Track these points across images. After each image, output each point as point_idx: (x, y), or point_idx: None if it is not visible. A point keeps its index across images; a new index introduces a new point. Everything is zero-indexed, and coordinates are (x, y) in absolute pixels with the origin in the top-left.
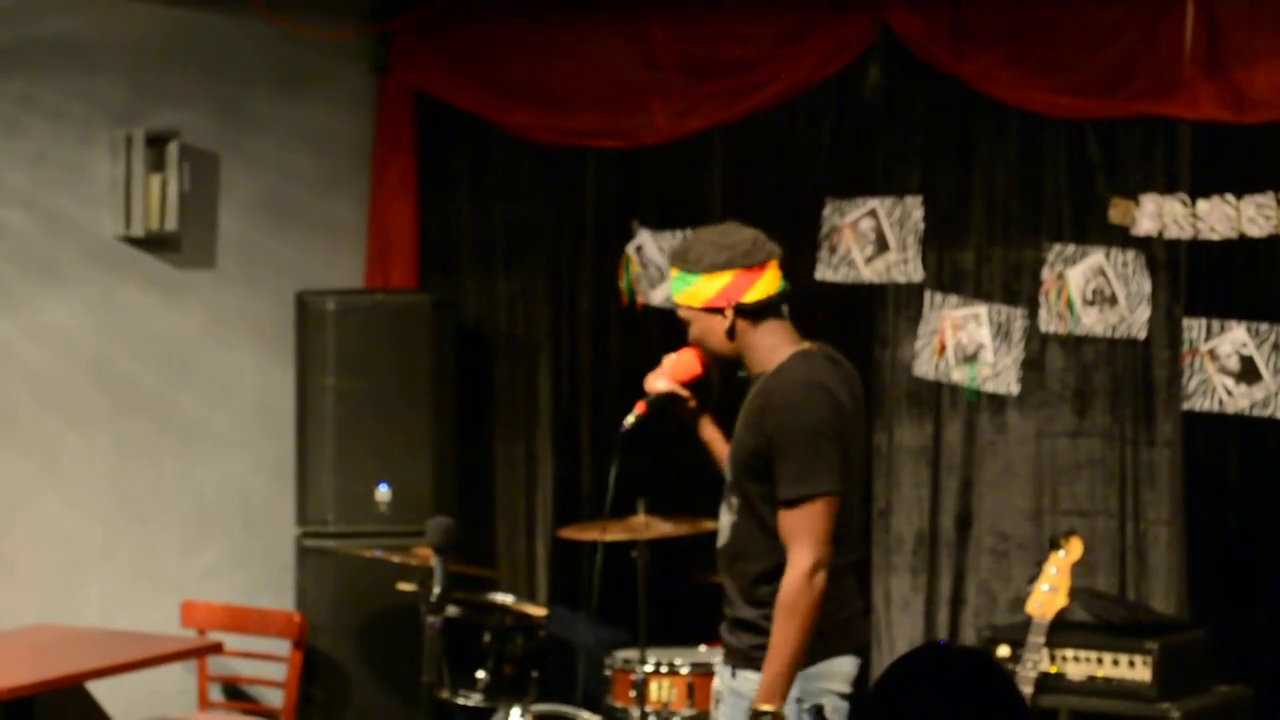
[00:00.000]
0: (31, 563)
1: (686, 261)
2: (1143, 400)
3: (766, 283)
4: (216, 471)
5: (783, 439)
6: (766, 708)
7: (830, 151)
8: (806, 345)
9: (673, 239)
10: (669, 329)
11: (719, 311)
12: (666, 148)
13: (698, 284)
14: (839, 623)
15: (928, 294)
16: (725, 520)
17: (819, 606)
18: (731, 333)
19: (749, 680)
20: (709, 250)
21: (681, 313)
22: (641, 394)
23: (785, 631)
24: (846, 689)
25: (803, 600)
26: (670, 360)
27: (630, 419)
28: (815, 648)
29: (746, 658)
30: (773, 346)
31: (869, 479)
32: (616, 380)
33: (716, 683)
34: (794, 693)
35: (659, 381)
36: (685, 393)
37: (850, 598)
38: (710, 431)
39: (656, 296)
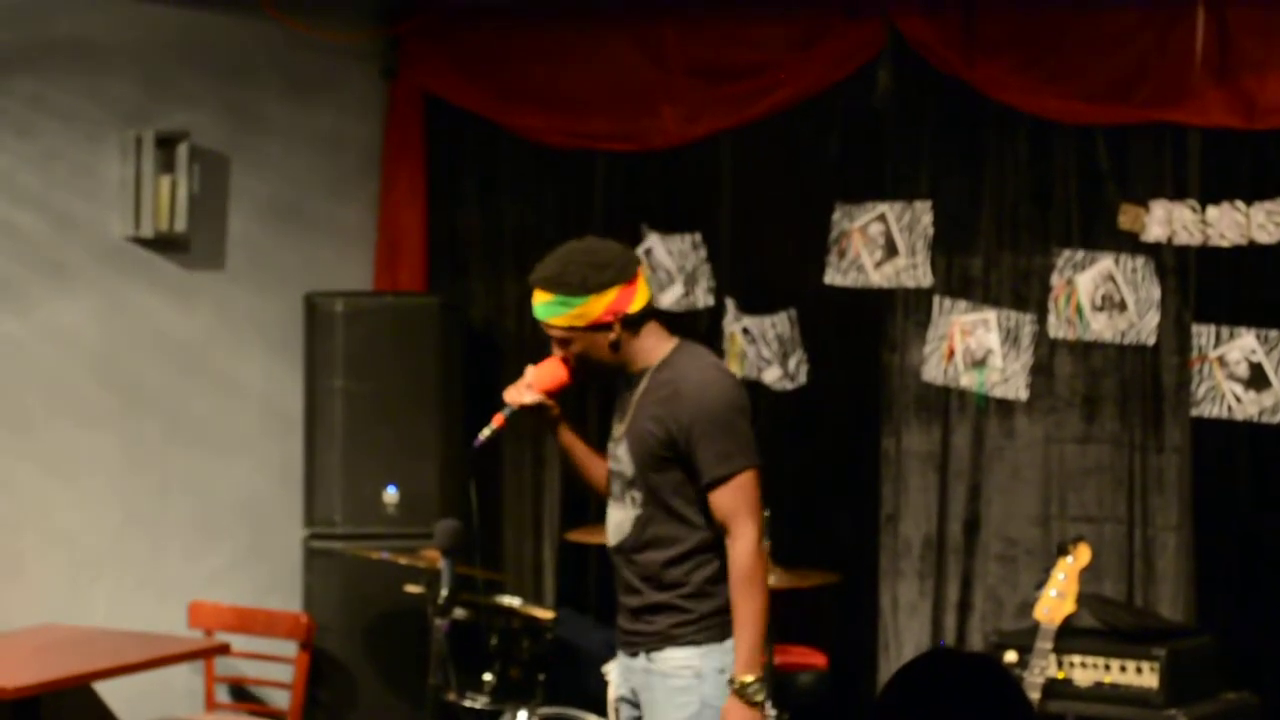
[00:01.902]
0: (39, 562)
1: (566, 285)
2: (1151, 406)
3: (643, 292)
4: (224, 472)
5: (701, 423)
6: (750, 677)
7: (840, 156)
8: (678, 340)
9: (682, 242)
10: (672, 331)
11: (606, 327)
12: (676, 151)
13: (584, 305)
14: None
15: (937, 299)
16: (621, 515)
17: (767, 572)
18: (616, 344)
19: (672, 658)
20: (590, 271)
21: (557, 333)
22: (499, 407)
23: (751, 603)
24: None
25: (758, 570)
26: (535, 370)
27: (485, 433)
28: (728, 624)
29: (666, 637)
30: (652, 345)
31: (876, 484)
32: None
33: (615, 688)
34: (716, 664)
35: (526, 394)
36: (550, 402)
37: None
38: (569, 436)
39: (665, 300)
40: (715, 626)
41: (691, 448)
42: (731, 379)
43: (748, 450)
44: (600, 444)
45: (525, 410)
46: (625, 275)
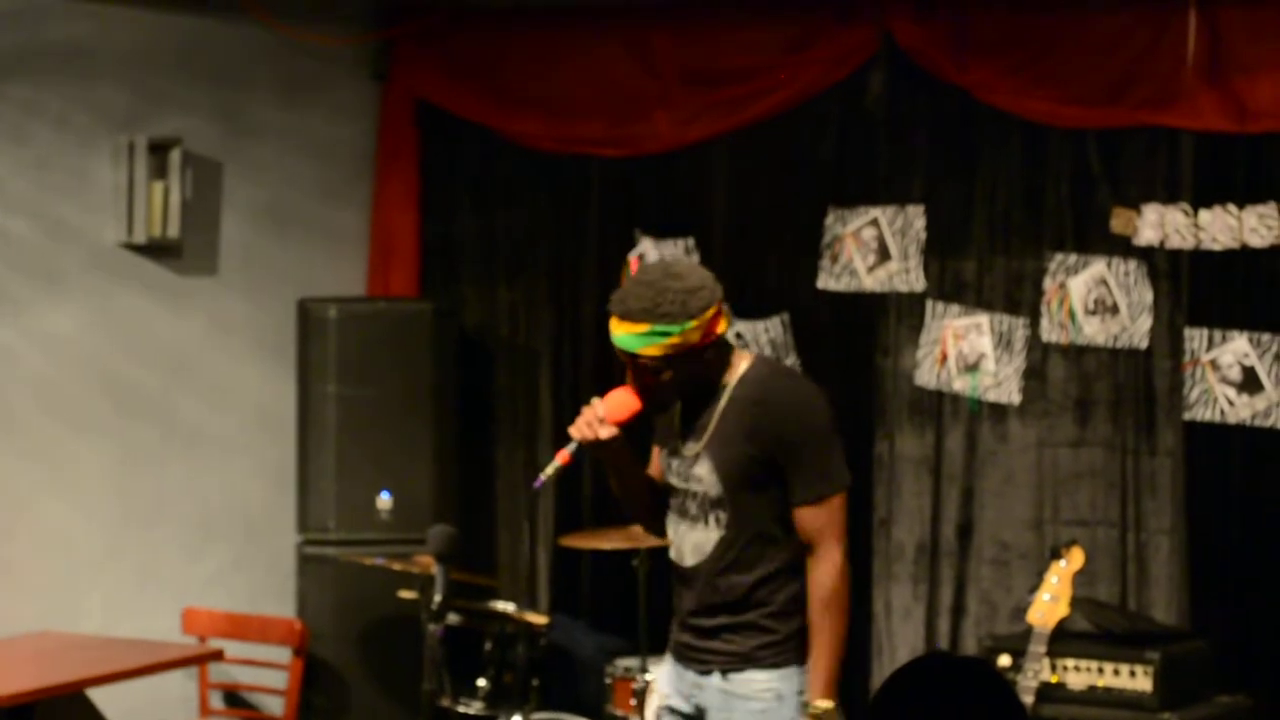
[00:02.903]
0: (33, 569)
1: (664, 315)
2: (1144, 410)
3: (726, 311)
4: (218, 478)
5: (804, 437)
6: (827, 704)
7: (832, 161)
8: (752, 354)
9: (675, 247)
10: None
11: (702, 351)
12: (669, 156)
13: (685, 331)
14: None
15: (929, 303)
16: (701, 536)
17: (850, 598)
18: (709, 366)
19: (754, 680)
20: (688, 298)
21: (651, 362)
22: (564, 441)
23: (834, 627)
24: None
25: (844, 593)
26: (606, 402)
27: (549, 472)
28: (806, 644)
29: (747, 659)
30: (731, 361)
31: (870, 488)
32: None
33: (663, 698)
34: (794, 686)
35: (602, 430)
36: (620, 434)
37: None
38: (628, 459)
39: None
40: (797, 649)
41: (791, 462)
42: (824, 393)
43: (844, 470)
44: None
45: (595, 445)
46: (717, 294)
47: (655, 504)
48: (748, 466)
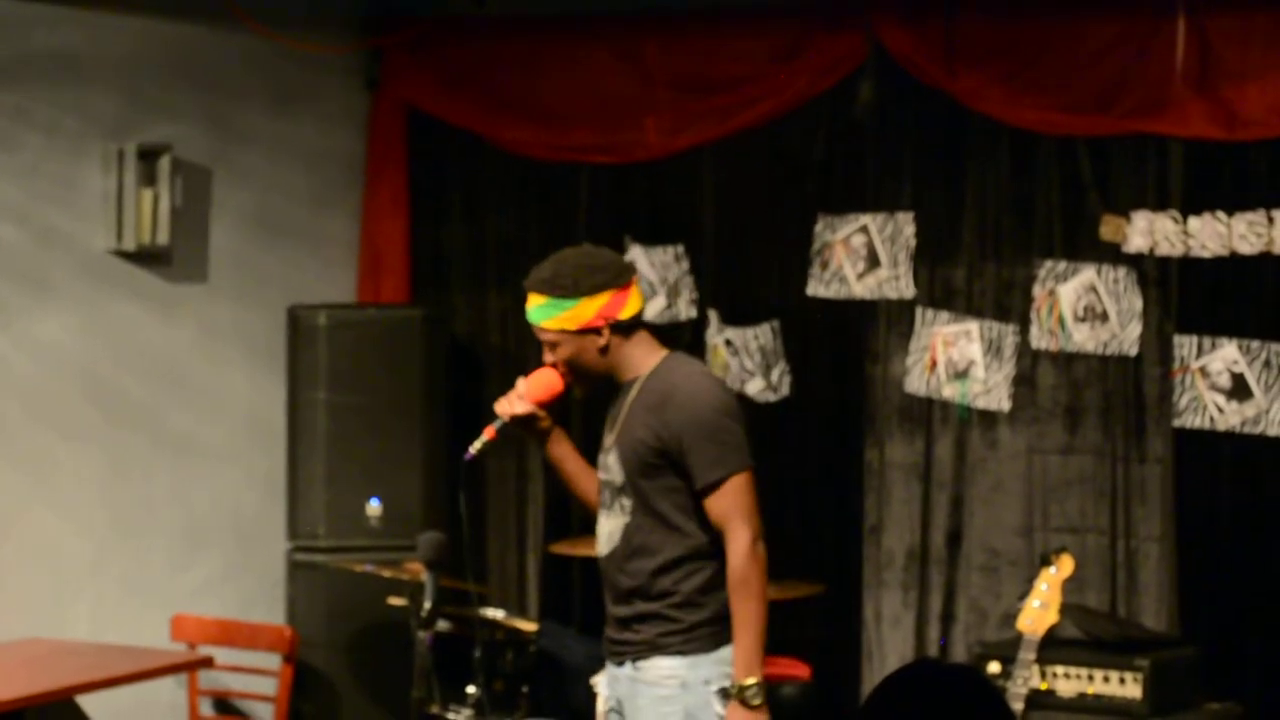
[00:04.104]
0: (21, 576)
1: (559, 287)
2: (1134, 417)
3: (634, 299)
4: (207, 485)
5: (692, 428)
6: (750, 680)
7: (822, 168)
8: (668, 351)
9: (664, 254)
10: (662, 343)
11: (595, 331)
12: (658, 164)
13: (575, 307)
14: (729, 612)
15: (919, 310)
16: (611, 524)
17: (765, 575)
18: (605, 349)
19: (658, 667)
20: (583, 274)
21: (549, 336)
22: (483, 419)
23: (749, 606)
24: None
25: (754, 572)
26: (528, 381)
27: (477, 446)
28: (718, 634)
29: (653, 646)
30: (643, 354)
31: (859, 495)
32: (607, 395)
33: (604, 700)
34: (700, 674)
35: (518, 404)
36: (543, 413)
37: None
38: (562, 448)
39: (648, 312)
40: (704, 637)
41: (684, 453)
42: (721, 385)
43: (740, 453)
44: (592, 458)
45: (517, 421)
46: (618, 280)
47: (595, 499)
48: (645, 455)
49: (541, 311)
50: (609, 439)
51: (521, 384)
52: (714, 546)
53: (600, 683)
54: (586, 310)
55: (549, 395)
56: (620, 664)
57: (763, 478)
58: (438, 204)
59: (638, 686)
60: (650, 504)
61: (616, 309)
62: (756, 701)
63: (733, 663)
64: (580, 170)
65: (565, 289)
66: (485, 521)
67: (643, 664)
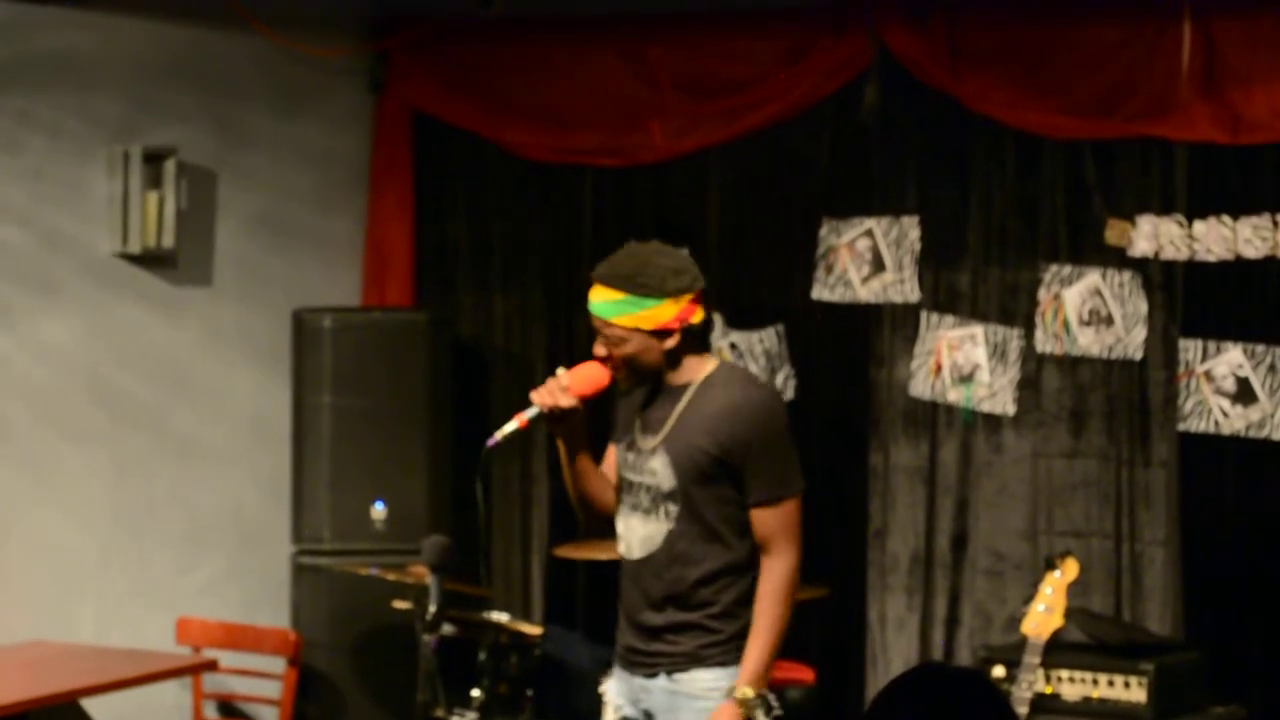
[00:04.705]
0: (26, 578)
1: (642, 285)
2: (1139, 421)
3: (703, 306)
4: (212, 488)
5: (761, 442)
6: (748, 692)
7: (827, 171)
8: (719, 359)
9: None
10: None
11: (668, 334)
12: (664, 166)
13: (656, 308)
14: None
15: (924, 314)
16: (651, 529)
17: (794, 600)
18: (673, 353)
19: (700, 679)
20: (668, 275)
21: (616, 331)
22: (524, 405)
23: (771, 617)
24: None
25: (790, 593)
26: (573, 374)
27: (503, 432)
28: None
29: (693, 658)
30: (697, 359)
31: (864, 499)
32: (612, 398)
33: (617, 709)
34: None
35: (563, 397)
36: (580, 407)
37: None
38: (583, 443)
39: None
40: (741, 648)
41: (745, 465)
42: (784, 402)
43: (799, 476)
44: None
45: (554, 414)
46: (696, 284)
47: (602, 500)
48: (703, 463)
49: (614, 307)
50: (648, 440)
51: (565, 375)
52: (750, 559)
53: (610, 690)
54: (666, 312)
55: (594, 390)
56: (651, 675)
57: None
58: (443, 206)
59: (678, 700)
60: (699, 512)
61: (692, 313)
62: (749, 714)
63: (741, 669)
64: (585, 173)
65: (649, 288)
66: (490, 524)
67: (681, 676)
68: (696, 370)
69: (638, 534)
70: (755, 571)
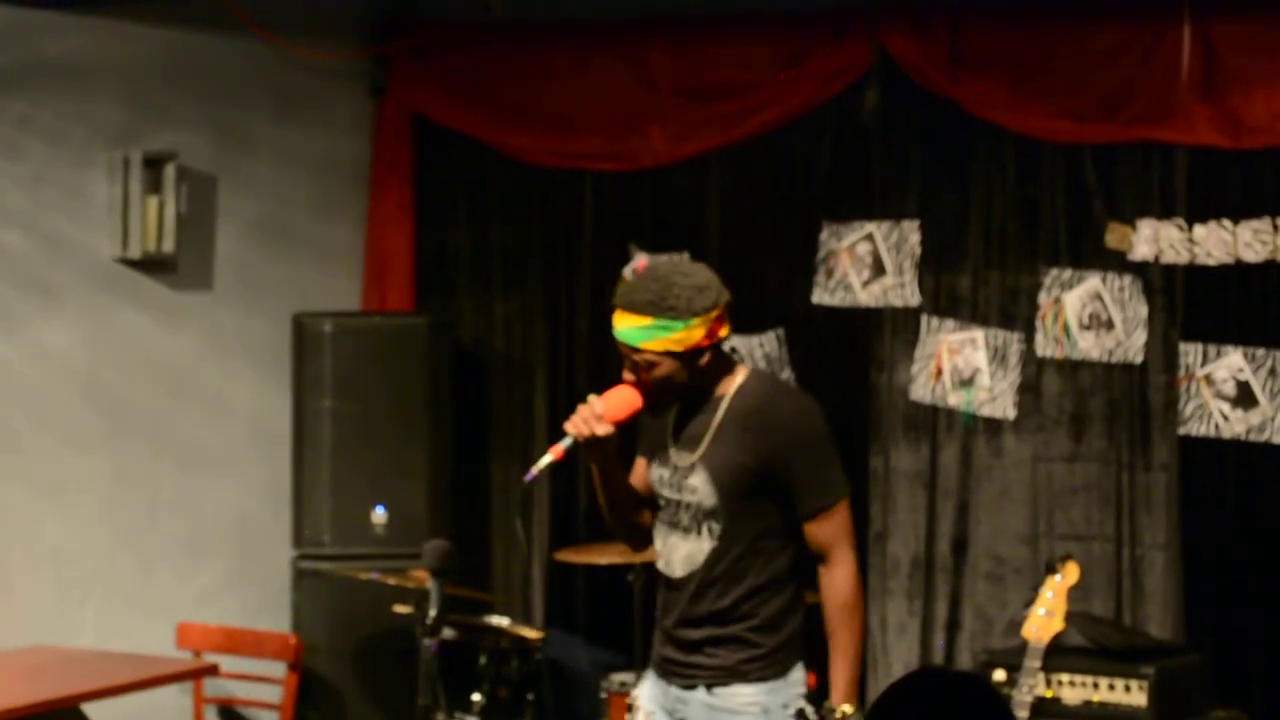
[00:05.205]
0: (27, 584)
1: (669, 309)
2: (1139, 425)
3: (729, 317)
4: (213, 493)
5: (801, 449)
6: (849, 708)
7: (827, 175)
8: (748, 367)
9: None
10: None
11: (701, 352)
12: (664, 171)
13: (686, 330)
14: (802, 633)
15: (924, 318)
16: (692, 547)
17: (797, 601)
18: (704, 370)
19: (740, 694)
20: (694, 294)
21: (648, 356)
22: (560, 436)
23: (851, 631)
24: (805, 693)
25: (860, 599)
26: (606, 400)
27: (540, 466)
28: (794, 654)
29: (733, 672)
30: (726, 370)
31: (865, 502)
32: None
33: (648, 716)
34: (779, 699)
35: (599, 426)
36: (615, 432)
37: (804, 609)
38: (617, 466)
39: None
40: (782, 661)
41: (789, 474)
42: (818, 406)
43: (844, 477)
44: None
45: (591, 443)
46: (721, 298)
47: (638, 515)
48: (745, 478)
49: (643, 333)
50: (684, 457)
51: (598, 403)
52: (792, 569)
53: (642, 695)
54: (696, 333)
55: (628, 414)
56: (689, 687)
57: None
58: (443, 211)
59: (718, 714)
60: (741, 529)
61: (721, 329)
62: None
63: (832, 687)
64: (585, 177)
65: (677, 311)
66: (490, 529)
67: (721, 690)
68: (728, 381)
69: (679, 552)
70: (797, 581)
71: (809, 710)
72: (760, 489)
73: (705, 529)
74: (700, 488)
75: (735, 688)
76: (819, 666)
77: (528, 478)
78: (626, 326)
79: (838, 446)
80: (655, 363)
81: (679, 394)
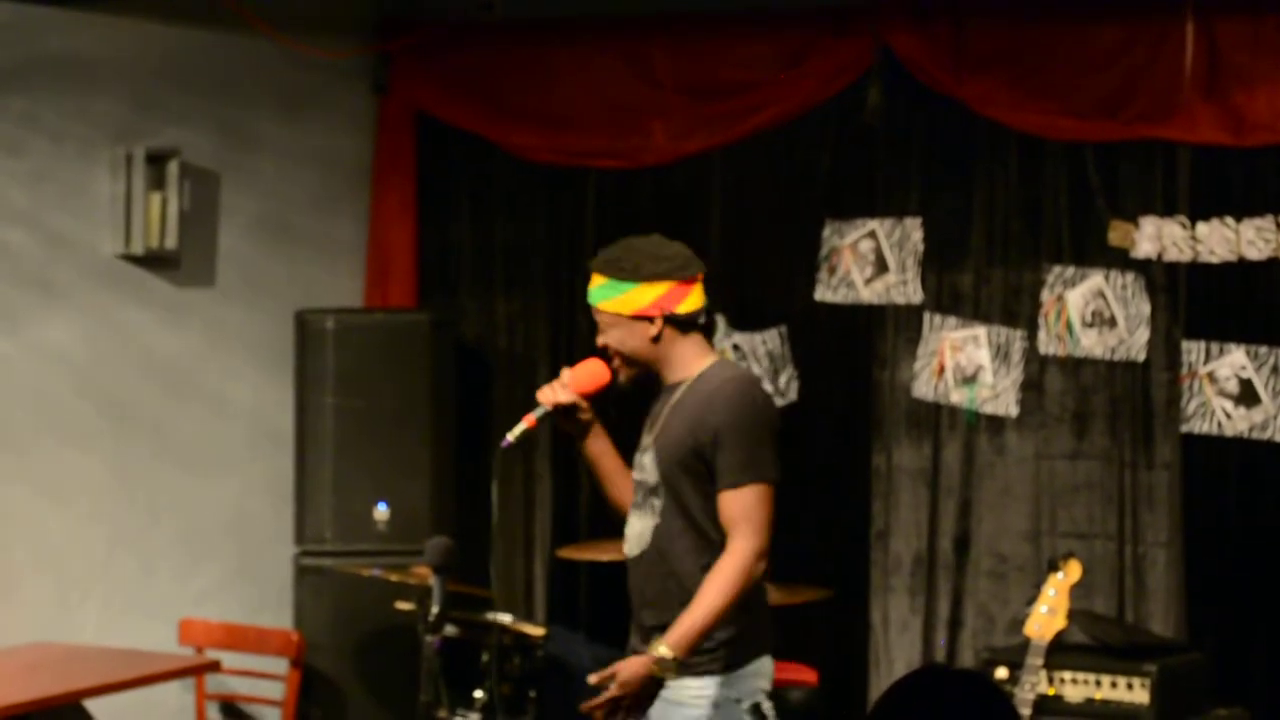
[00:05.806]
0: (29, 580)
1: (620, 269)
2: (1141, 422)
3: (695, 296)
4: (215, 490)
5: (729, 427)
6: (667, 650)
7: (830, 173)
8: (718, 356)
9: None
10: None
11: (648, 320)
12: (666, 168)
13: (632, 292)
14: (765, 624)
15: (927, 315)
16: (641, 525)
17: (750, 592)
18: (656, 340)
19: (687, 687)
20: (646, 260)
21: (602, 318)
22: (529, 405)
23: (714, 600)
24: (770, 687)
25: (742, 576)
26: (574, 371)
27: (516, 433)
28: (749, 647)
29: (682, 665)
30: (694, 356)
31: (867, 500)
32: (615, 399)
33: None
34: (732, 693)
35: (561, 393)
36: (585, 404)
37: (765, 600)
38: (601, 444)
39: None
40: (734, 653)
41: (716, 451)
42: (766, 395)
43: (769, 464)
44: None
45: (559, 411)
46: (682, 273)
47: (626, 501)
48: (682, 456)
49: (600, 292)
50: (647, 439)
51: (566, 373)
52: None
53: None
54: (643, 296)
55: (594, 386)
56: None
57: None
58: (445, 208)
59: (668, 708)
60: (681, 506)
61: (674, 302)
62: (660, 673)
63: (668, 635)
64: (588, 174)
65: (625, 272)
66: (492, 525)
67: (671, 683)
68: (692, 366)
69: (633, 530)
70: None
71: (766, 705)
72: (695, 466)
73: (650, 505)
74: (649, 465)
75: (684, 680)
76: (819, 665)
77: (504, 443)
78: (590, 287)
79: (841, 445)
80: (609, 324)
81: (637, 366)
